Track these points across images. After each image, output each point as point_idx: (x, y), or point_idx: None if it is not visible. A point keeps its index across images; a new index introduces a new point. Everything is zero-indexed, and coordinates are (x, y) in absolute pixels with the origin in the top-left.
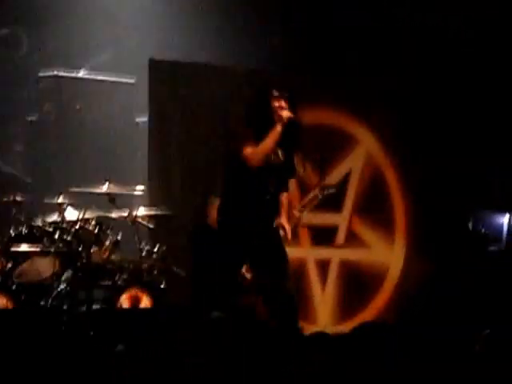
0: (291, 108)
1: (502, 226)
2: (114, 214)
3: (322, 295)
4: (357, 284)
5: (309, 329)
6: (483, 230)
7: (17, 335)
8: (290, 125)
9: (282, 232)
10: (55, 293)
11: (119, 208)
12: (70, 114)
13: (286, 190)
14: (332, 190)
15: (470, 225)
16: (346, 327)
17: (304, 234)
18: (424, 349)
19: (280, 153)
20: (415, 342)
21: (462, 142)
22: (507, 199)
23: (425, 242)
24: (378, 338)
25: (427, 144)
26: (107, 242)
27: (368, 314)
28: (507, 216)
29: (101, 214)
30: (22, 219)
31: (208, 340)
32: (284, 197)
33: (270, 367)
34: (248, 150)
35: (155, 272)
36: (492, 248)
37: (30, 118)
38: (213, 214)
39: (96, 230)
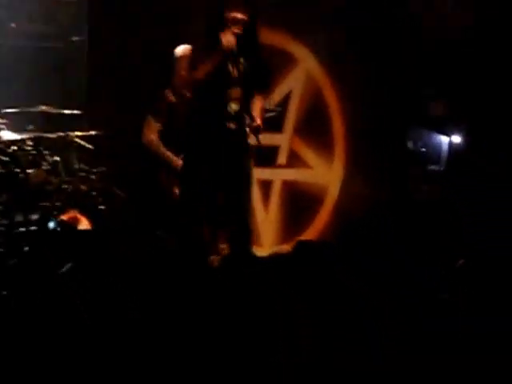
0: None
1: (441, 145)
2: (51, 135)
3: (265, 216)
4: (299, 204)
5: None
6: (423, 150)
7: None
8: (231, 53)
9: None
10: None
11: (57, 129)
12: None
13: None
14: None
15: (410, 144)
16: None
17: None
18: (364, 270)
19: (241, 64)
20: (356, 262)
21: (400, 62)
22: (446, 119)
23: (364, 162)
24: (318, 256)
25: (367, 64)
26: (45, 163)
27: (310, 234)
28: (446, 137)
29: (38, 134)
30: None
31: (152, 260)
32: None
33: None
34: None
35: (94, 193)
36: (432, 167)
37: None
38: (148, 134)
39: (33, 151)
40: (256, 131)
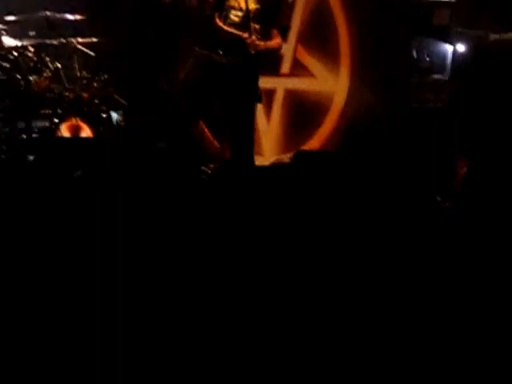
0: None
1: (445, 55)
2: (53, 41)
3: (267, 126)
4: (302, 114)
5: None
6: (427, 59)
7: None
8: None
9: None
10: None
11: (59, 36)
12: None
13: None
14: None
15: (415, 53)
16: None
17: None
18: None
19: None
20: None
21: None
22: (450, 28)
23: (369, 71)
24: (317, 166)
25: None
26: (47, 70)
27: (313, 144)
28: (450, 46)
29: (40, 41)
30: None
31: (153, 170)
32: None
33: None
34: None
35: (96, 101)
36: (436, 77)
37: None
38: None
39: (35, 58)
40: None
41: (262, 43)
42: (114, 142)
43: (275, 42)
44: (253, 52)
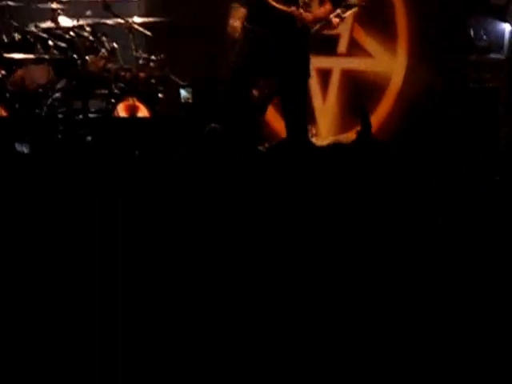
0: None
1: (503, 34)
2: (109, 21)
3: (322, 105)
4: (359, 94)
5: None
6: (485, 38)
7: (12, 143)
8: None
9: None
10: (50, 101)
11: (116, 15)
12: None
13: None
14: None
15: (472, 32)
16: (347, 139)
17: None
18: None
19: None
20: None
21: None
22: (508, 7)
23: (426, 50)
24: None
25: None
26: (103, 50)
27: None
28: (508, 25)
29: (96, 20)
30: (15, 24)
31: (206, 151)
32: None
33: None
34: None
35: (153, 81)
36: (494, 56)
37: None
38: (232, 23)
39: (91, 37)
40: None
41: (309, 14)
42: (182, 120)
43: (323, 10)
44: (299, 25)
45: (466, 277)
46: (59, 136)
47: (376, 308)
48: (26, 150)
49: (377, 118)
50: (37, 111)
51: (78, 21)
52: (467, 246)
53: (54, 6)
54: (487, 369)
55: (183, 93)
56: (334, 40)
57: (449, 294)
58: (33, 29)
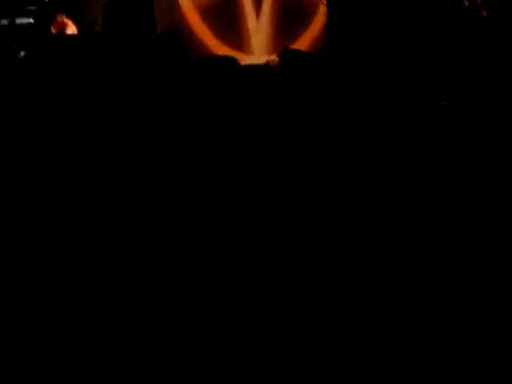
0: None
1: None
2: None
3: (256, 24)
4: (292, 12)
5: (243, 59)
6: None
7: None
8: None
9: None
10: None
11: None
12: None
13: None
14: None
15: None
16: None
17: None
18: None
19: None
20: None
21: None
22: None
23: None
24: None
25: None
26: None
27: (303, 43)
28: None
29: None
30: None
31: None
32: None
33: None
34: None
35: None
36: None
37: None
38: None
39: None
40: None
41: None
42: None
43: None
44: None
45: (466, 277)
46: None
47: (376, 308)
48: None
49: (308, 37)
50: None
51: None
52: (468, 246)
53: None
54: (487, 369)
55: None
56: None
57: (449, 294)
58: None
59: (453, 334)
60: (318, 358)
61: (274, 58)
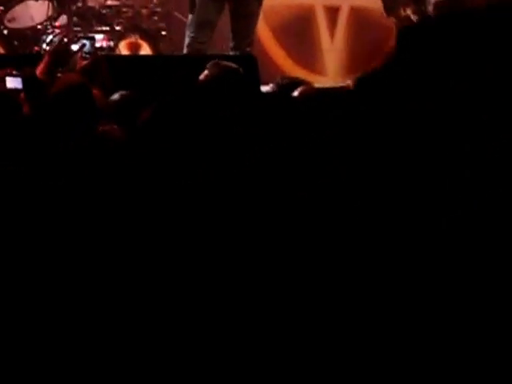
0: None
1: None
2: None
3: (330, 44)
4: (367, 33)
5: (317, 80)
6: None
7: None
8: None
9: None
10: (49, 39)
11: None
12: None
13: None
14: None
15: None
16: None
17: None
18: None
19: None
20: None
21: None
22: None
23: None
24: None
25: None
26: None
27: (375, 66)
28: None
29: None
30: None
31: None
32: None
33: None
34: None
35: (155, 18)
36: None
37: None
38: None
39: None
40: None
41: None
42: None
43: None
44: None
45: (466, 277)
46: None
47: (376, 308)
48: (18, 85)
49: (383, 59)
50: (35, 48)
51: None
52: (469, 246)
53: None
54: (487, 369)
55: None
56: None
57: (449, 294)
58: None
59: (453, 334)
60: (318, 358)
61: (349, 82)
